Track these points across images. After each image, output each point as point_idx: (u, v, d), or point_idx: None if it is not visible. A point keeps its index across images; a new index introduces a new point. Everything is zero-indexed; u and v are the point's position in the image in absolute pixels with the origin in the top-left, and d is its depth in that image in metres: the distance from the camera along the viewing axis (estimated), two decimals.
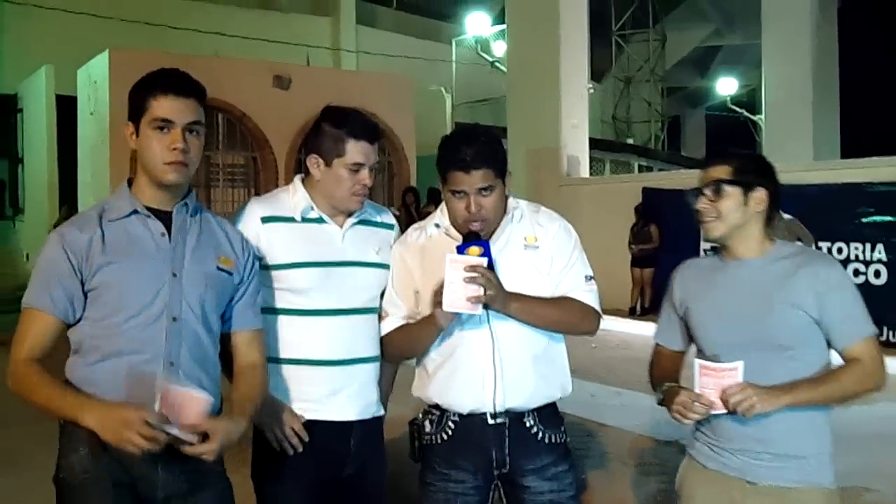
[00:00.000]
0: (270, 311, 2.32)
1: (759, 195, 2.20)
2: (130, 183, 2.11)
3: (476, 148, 2.30)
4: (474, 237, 2.29)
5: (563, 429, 2.42)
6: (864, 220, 9.01)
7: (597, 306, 2.40)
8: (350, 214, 2.42)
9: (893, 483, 4.51)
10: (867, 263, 9.00)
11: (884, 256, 8.87)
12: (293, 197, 2.40)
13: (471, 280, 2.15)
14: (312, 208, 2.38)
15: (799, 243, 2.52)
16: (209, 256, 2.09)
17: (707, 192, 2.21)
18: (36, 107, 14.16)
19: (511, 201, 2.42)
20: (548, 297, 2.35)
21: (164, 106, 2.00)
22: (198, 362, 2.04)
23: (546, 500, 2.33)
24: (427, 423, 2.40)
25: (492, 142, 2.35)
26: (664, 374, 2.34)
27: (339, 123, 2.35)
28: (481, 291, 2.15)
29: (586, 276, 2.40)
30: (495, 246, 2.33)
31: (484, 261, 2.19)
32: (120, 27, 15.77)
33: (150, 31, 16.14)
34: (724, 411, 2.09)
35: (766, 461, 2.16)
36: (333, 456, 2.36)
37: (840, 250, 9.10)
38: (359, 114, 2.40)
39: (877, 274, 8.95)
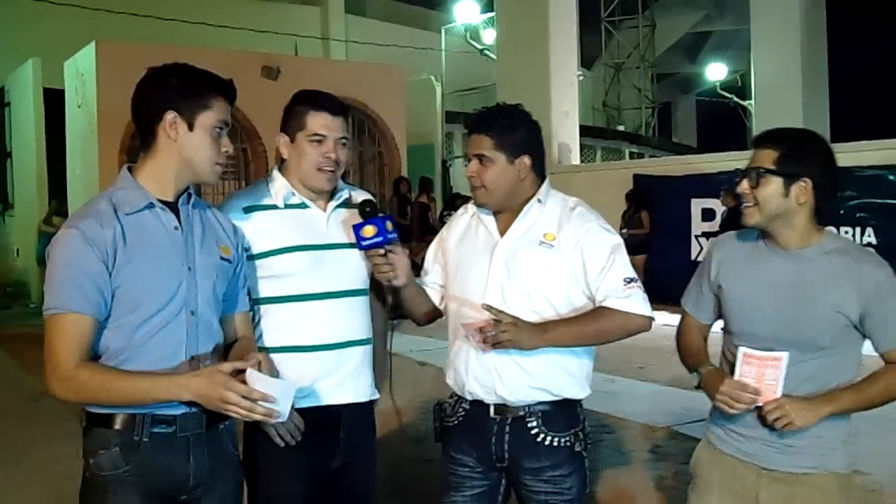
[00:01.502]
0: (260, 300, 2.31)
1: (802, 186, 2.10)
2: (130, 171, 2.06)
3: (485, 116, 2.37)
4: (370, 209, 2.30)
5: (574, 432, 2.36)
6: (853, 203, 9.04)
7: (639, 309, 2.28)
8: (331, 197, 2.42)
9: (885, 465, 4.54)
10: None
11: (873, 240, 8.91)
12: (273, 186, 2.41)
13: (482, 341, 2.21)
14: (293, 194, 2.38)
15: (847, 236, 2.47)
16: (214, 247, 2.10)
17: (748, 177, 2.14)
18: (23, 100, 14.01)
19: (542, 192, 2.39)
20: (582, 314, 2.31)
21: (223, 110, 2.06)
22: (214, 352, 2.07)
23: (542, 499, 2.35)
24: (447, 405, 2.48)
25: (509, 118, 2.37)
26: (696, 353, 2.31)
27: (300, 101, 2.40)
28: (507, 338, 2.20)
29: (625, 280, 2.29)
30: (510, 233, 2.36)
31: (486, 321, 2.20)
32: (106, 19, 15.62)
33: (137, 22, 16.00)
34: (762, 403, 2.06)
35: (780, 448, 2.15)
36: (324, 444, 2.37)
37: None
38: (324, 92, 2.43)
39: (881, 258, 9.00)
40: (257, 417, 1.85)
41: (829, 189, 2.15)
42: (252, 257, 2.30)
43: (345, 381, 2.38)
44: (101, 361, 1.92)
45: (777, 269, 2.17)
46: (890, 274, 2.14)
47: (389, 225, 2.29)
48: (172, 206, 2.05)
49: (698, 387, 2.22)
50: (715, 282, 2.29)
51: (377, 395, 2.51)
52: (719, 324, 2.38)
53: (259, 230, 2.32)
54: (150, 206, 2.00)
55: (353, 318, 2.41)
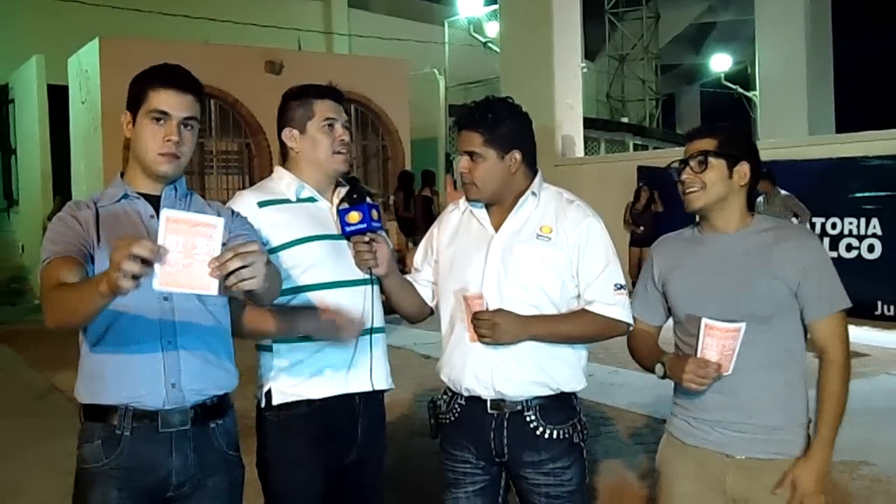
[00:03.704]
0: (284, 291, 2.31)
1: (743, 169, 2.22)
2: (122, 175, 2.15)
3: (475, 111, 2.36)
4: (357, 195, 2.33)
5: (572, 423, 2.37)
6: (858, 194, 9.02)
7: (624, 317, 2.34)
8: (336, 187, 2.46)
9: (890, 456, 4.55)
10: (861, 238, 9.01)
11: (878, 231, 8.88)
12: (281, 182, 2.44)
13: (475, 327, 2.25)
14: (304, 187, 2.42)
15: (779, 218, 2.56)
16: None
17: (692, 163, 2.23)
18: (27, 97, 14.06)
19: (535, 184, 2.39)
20: (566, 314, 2.33)
21: (162, 98, 2.03)
22: (199, 338, 2.05)
23: (542, 492, 2.35)
24: (441, 402, 2.46)
25: (498, 112, 2.35)
26: (650, 350, 2.36)
27: (300, 94, 2.46)
28: (483, 334, 2.25)
29: (616, 286, 2.33)
30: (505, 226, 2.36)
31: (482, 304, 2.26)
32: (110, 15, 15.64)
33: (140, 17, 16.01)
34: (729, 372, 2.13)
35: (744, 433, 2.19)
36: (341, 440, 2.38)
37: (834, 225, 9.11)
38: (317, 83, 2.49)
39: (870, 248, 8.96)
40: (140, 252, 1.55)
41: (758, 177, 2.28)
42: (272, 250, 2.32)
43: (364, 369, 2.40)
44: (89, 344, 1.98)
45: (716, 250, 2.26)
46: (821, 245, 2.30)
47: (375, 213, 2.32)
48: (154, 199, 2.09)
49: (664, 377, 2.27)
50: (660, 279, 2.36)
51: (392, 385, 2.51)
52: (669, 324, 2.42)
53: (277, 223, 2.35)
54: (125, 196, 2.07)
55: (369, 306, 2.42)
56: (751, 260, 2.20)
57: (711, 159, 2.21)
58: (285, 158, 2.48)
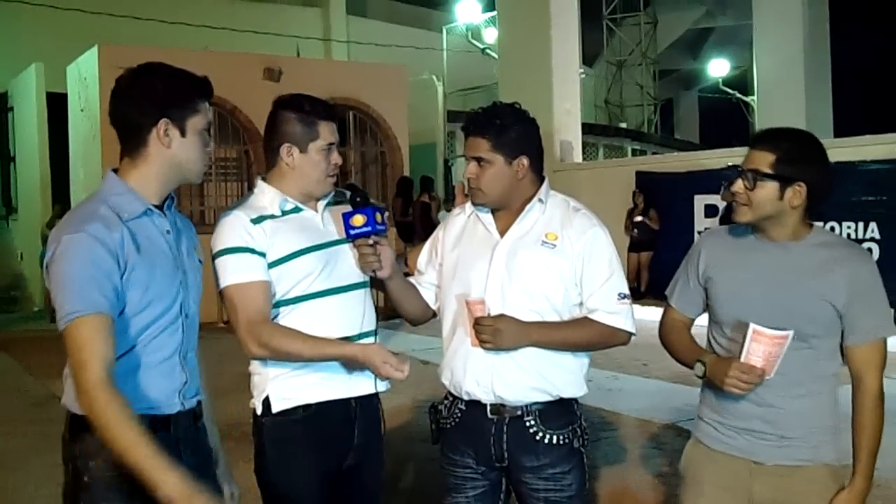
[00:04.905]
0: (279, 303, 2.33)
1: (797, 190, 2.12)
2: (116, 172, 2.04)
3: (482, 117, 2.35)
4: (360, 199, 2.33)
5: (571, 428, 2.36)
6: (856, 198, 9.02)
7: (627, 326, 2.32)
8: (318, 198, 2.43)
9: (890, 460, 4.53)
10: (859, 242, 9.01)
11: (876, 234, 8.89)
12: (264, 197, 2.38)
13: (476, 332, 2.24)
14: (287, 200, 2.38)
15: (835, 232, 2.52)
16: (193, 250, 2.12)
17: (744, 177, 2.15)
18: (27, 105, 14.06)
19: (542, 191, 2.39)
20: (569, 321, 2.33)
21: (208, 111, 2.03)
22: (194, 348, 2.10)
23: (541, 497, 2.34)
24: (442, 407, 2.46)
25: (507, 118, 2.35)
26: (688, 346, 2.33)
27: (303, 108, 2.37)
28: (485, 339, 2.24)
29: (619, 295, 2.31)
30: (511, 232, 2.37)
31: (483, 309, 2.26)
32: (109, 22, 15.67)
33: (139, 25, 16.03)
34: (772, 376, 2.10)
35: (771, 441, 2.17)
36: (339, 443, 2.38)
37: (833, 229, 9.11)
38: (314, 97, 2.43)
39: (868, 252, 8.98)
40: None
41: (823, 191, 2.17)
42: (270, 265, 2.31)
43: (361, 373, 2.38)
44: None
45: (767, 259, 2.19)
46: (876, 270, 2.18)
47: (379, 216, 2.31)
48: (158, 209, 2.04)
49: (703, 376, 2.23)
50: (704, 274, 2.31)
51: (388, 387, 2.49)
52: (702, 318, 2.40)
53: (269, 237, 2.32)
54: (148, 211, 1.98)
55: (364, 310, 2.42)
56: (802, 277, 2.14)
57: (763, 180, 2.12)
58: (269, 168, 2.42)
